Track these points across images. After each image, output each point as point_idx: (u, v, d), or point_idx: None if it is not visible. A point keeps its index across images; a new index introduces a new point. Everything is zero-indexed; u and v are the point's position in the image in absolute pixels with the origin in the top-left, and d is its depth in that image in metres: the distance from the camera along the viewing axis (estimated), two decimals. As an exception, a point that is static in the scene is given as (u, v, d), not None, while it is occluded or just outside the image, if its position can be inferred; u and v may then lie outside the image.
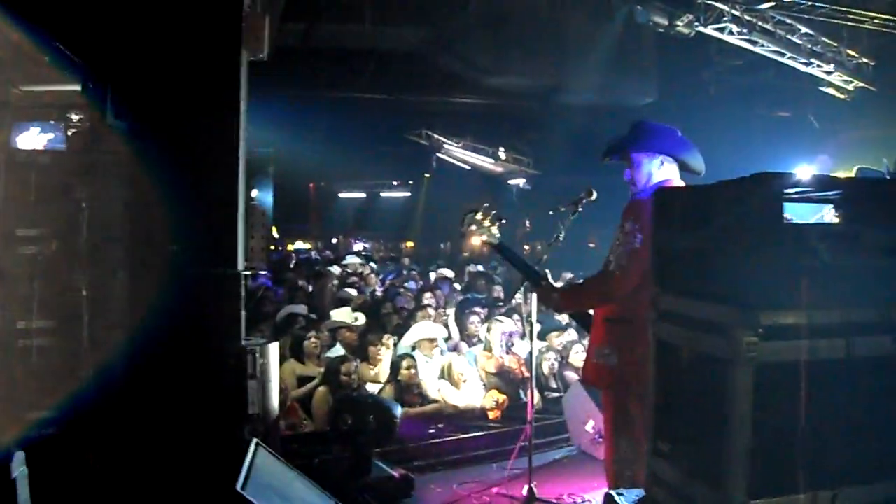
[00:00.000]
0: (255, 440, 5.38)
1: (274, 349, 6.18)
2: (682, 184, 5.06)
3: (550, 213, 5.88)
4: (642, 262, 4.72)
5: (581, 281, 5.48)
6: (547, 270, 5.71)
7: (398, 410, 7.21)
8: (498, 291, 14.40)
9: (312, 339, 9.14)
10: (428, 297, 12.91)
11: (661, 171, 5.08)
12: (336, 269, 16.91)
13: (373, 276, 16.91)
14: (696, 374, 2.93)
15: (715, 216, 2.84)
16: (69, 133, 6.34)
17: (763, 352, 2.69)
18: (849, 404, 2.81)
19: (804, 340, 2.75)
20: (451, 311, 11.86)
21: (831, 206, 3.26)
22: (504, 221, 6.02)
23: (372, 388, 8.79)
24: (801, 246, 2.78)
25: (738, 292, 2.75)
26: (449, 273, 17.32)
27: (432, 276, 17.08)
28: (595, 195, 5.77)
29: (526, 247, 22.04)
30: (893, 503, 2.91)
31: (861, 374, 2.82)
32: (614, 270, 4.88)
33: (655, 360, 3.21)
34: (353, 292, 14.22)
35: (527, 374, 7.09)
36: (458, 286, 15.47)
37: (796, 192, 2.91)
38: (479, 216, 5.96)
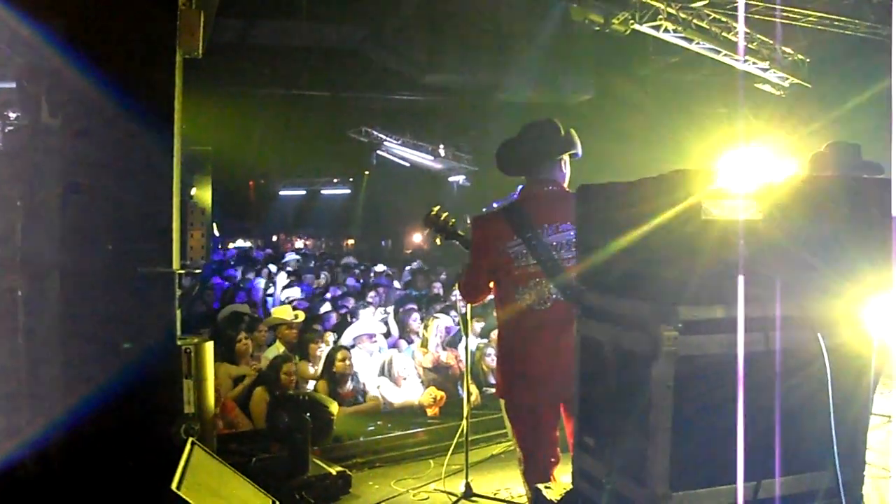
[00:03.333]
0: (190, 439, 5.39)
1: (209, 348, 6.17)
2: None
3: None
4: (475, 278, 4.84)
5: None
6: None
7: (334, 408, 7.23)
8: (438, 288, 14.43)
9: (242, 341, 8.89)
10: (371, 296, 12.95)
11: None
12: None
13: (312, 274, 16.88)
14: (619, 369, 2.97)
15: (636, 213, 2.87)
16: (6, 131, 6.26)
17: (683, 346, 2.72)
18: (769, 397, 2.86)
19: (724, 334, 2.79)
20: (390, 309, 11.89)
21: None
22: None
23: (312, 385, 8.77)
24: (721, 241, 2.83)
25: (659, 288, 2.79)
26: (388, 269, 17.36)
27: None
28: None
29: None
30: (816, 494, 2.98)
31: (781, 368, 2.88)
32: (461, 278, 4.98)
33: (580, 356, 3.25)
34: (296, 291, 14.23)
35: (464, 370, 7.13)
36: (397, 283, 15.51)
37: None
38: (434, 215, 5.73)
